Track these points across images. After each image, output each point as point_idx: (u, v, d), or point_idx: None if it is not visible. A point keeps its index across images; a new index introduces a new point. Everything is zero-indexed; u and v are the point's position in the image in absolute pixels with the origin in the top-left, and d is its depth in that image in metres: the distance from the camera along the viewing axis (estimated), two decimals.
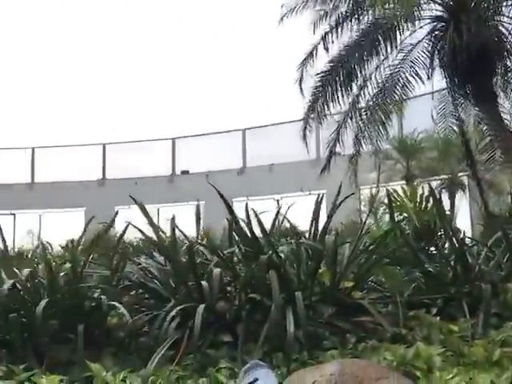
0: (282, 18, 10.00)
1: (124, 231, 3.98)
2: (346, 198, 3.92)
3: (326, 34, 9.65)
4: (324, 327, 3.24)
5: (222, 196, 3.84)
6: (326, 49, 9.59)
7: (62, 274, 3.62)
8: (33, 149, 22.66)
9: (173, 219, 4.20)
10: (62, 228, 18.19)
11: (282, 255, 3.63)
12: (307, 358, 2.92)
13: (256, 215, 3.91)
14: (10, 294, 3.33)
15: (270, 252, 3.46)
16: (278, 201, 16.62)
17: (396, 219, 4.36)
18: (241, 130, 20.78)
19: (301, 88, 9.97)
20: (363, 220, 10.93)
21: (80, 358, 2.97)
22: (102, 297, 3.40)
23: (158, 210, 16.78)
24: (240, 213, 3.98)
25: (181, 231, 4.28)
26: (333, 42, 9.57)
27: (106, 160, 22.60)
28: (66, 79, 28.67)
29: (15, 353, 3.09)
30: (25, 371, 2.89)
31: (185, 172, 21.71)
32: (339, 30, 9.53)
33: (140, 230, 4.20)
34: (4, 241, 3.90)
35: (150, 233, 4.19)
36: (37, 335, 3.12)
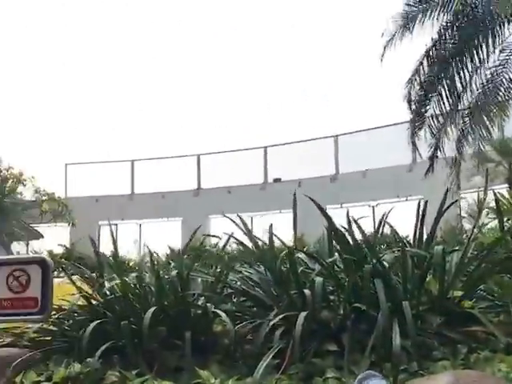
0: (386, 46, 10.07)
1: (227, 240, 4.04)
2: (452, 203, 3.78)
3: (430, 49, 9.66)
4: (433, 337, 3.13)
5: (318, 205, 3.81)
6: (431, 63, 9.57)
7: (168, 282, 3.73)
8: (132, 161, 23.59)
9: (270, 227, 4.21)
10: (161, 237, 18.84)
11: (386, 263, 3.55)
12: (417, 368, 2.83)
13: (356, 222, 3.85)
14: (121, 300, 3.47)
15: (374, 260, 3.40)
16: (373, 207, 16.36)
17: (505, 225, 4.15)
18: (333, 137, 20.65)
19: (409, 106, 10.05)
20: (464, 226, 10.58)
21: (188, 365, 3.05)
22: (208, 304, 3.46)
23: (252, 218, 17.01)
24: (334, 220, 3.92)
25: (279, 239, 4.28)
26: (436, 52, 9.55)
27: (200, 170, 23.13)
28: (159, 93, 29.69)
29: (127, 358, 3.20)
30: (137, 377, 2.99)
31: (277, 180, 21.82)
32: (441, 41, 9.50)
33: (236, 239, 4.24)
34: (116, 249, 4.06)
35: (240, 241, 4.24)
36: (146, 341, 3.21)
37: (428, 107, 9.82)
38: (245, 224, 4.14)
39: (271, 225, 4.24)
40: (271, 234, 4.07)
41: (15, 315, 2.85)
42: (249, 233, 4.11)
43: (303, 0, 26.55)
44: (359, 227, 3.93)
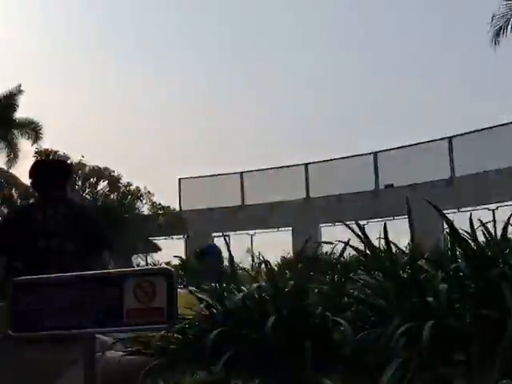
0: None
1: (343, 248, 3.99)
2: None
3: None
4: None
5: (438, 209, 3.67)
6: None
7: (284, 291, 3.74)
8: (241, 173, 24.05)
9: (385, 233, 4.11)
10: (272, 247, 19.02)
11: None
12: None
13: (483, 225, 3.67)
14: (240, 309, 3.52)
15: (501, 265, 3.22)
16: (493, 211, 15.58)
17: None
18: (447, 139, 19.93)
19: None
20: None
21: (309, 375, 3.03)
22: (326, 313, 3.43)
23: (363, 225, 16.72)
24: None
25: (395, 245, 4.17)
26: None
27: (308, 179, 23.14)
28: (263, 104, 30.05)
29: (249, 367, 3.24)
30: None
31: (389, 186, 21.37)
32: None
33: (352, 246, 4.17)
34: (231, 258, 4.14)
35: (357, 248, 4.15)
36: (267, 350, 3.23)
37: None
38: (362, 229, 4.07)
39: (386, 230, 4.13)
40: (388, 241, 3.97)
41: (143, 325, 2.98)
42: (366, 239, 4.03)
43: None
44: (486, 229, 3.74)
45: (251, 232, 22.67)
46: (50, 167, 3.96)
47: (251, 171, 23.56)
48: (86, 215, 3.91)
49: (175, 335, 3.66)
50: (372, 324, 3.64)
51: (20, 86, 23.65)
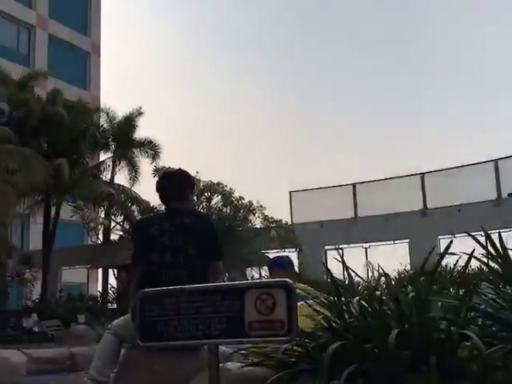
0: None
1: (468, 261, 3.81)
2: None
3: None
4: None
5: None
6: None
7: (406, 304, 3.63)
8: (354, 185, 23.78)
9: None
10: (388, 260, 18.59)
11: None
12: None
13: None
14: (360, 323, 3.46)
15: None
16: None
17: None
18: None
19: None
20: None
21: None
22: (451, 328, 3.29)
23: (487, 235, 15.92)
24: None
25: None
26: None
27: (425, 189, 22.43)
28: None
29: (371, 382, 3.17)
30: None
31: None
32: None
33: (477, 258, 3.98)
34: (348, 271, 4.09)
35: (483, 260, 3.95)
36: (391, 365, 3.15)
37: None
38: (489, 238, 3.86)
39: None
40: None
41: (264, 336, 3.01)
42: (504, 251, 3.82)
43: None
44: None
45: (366, 245, 22.31)
46: (176, 179, 4.09)
47: (364, 182, 23.28)
48: (210, 225, 4.02)
49: (295, 348, 3.66)
50: (501, 340, 3.45)
51: (140, 108, 25.06)
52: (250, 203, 20.67)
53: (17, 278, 21.53)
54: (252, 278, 19.81)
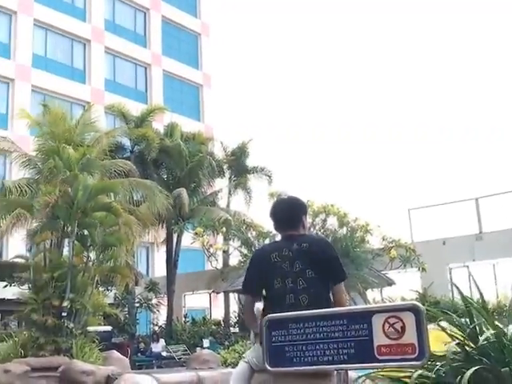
0: None
1: None
2: None
3: None
4: None
5: None
6: None
7: None
8: (476, 199, 22.76)
9: None
10: None
11: None
12: None
13: None
14: (496, 347, 3.28)
15: None
16: None
17: None
18: None
19: None
20: None
21: None
22: None
23: None
24: None
25: None
26: None
27: None
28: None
29: None
30: None
31: None
32: None
33: None
34: (480, 291, 3.90)
35: None
36: None
37: None
38: None
39: None
40: None
41: (394, 361, 2.93)
42: None
43: None
44: None
45: (493, 261, 21.18)
46: (289, 205, 4.12)
47: (488, 196, 22.22)
48: (329, 247, 4.01)
49: (426, 373, 3.53)
50: None
51: (251, 139, 26.07)
52: (367, 223, 20.31)
53: (144, 304, 22.52)
54: (373, 301, 19.38)
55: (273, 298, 3.78)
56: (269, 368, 3.21)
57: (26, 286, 13.09)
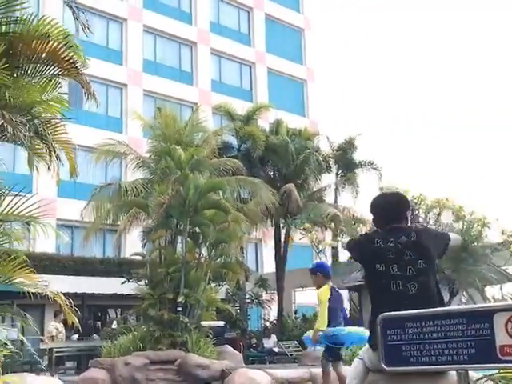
0: None
1: None
2: None
3: None
4: None
5: None
6: None
7: None
8: None
9: None
10: None
11: None
12: None
13: None
14: None
15: None
16: None
17: None
18: None
19: None
20: None
21: None
22: None
23: None
24: None
25: None
26: None
27: None
28: None
29: None
30: None
31: None
32: None
33: None
34: None
35: None
36: None
37: None
38: None
39: None
40: None
41: None
42: None
43: None
44: None
45: None
46: (394, 200, 4.08)
47: None
48: (437, 235, 4.05)
49: None
50: None
51: (359, 133, 25.78)
52: (484, 217, 19.40)
53: (255, 300, 22.85)
54: (493, 298, 18.48)
55: (375, 282, 3.78)
56: (385, 367, 3.13)
57: (142, 282, 13.68)
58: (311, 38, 41.00)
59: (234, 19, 37.45)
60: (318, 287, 8.07)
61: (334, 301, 8.05)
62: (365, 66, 74.10)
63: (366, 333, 7.81)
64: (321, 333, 7.84)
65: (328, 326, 7.84)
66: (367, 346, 3.84)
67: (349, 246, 4.37)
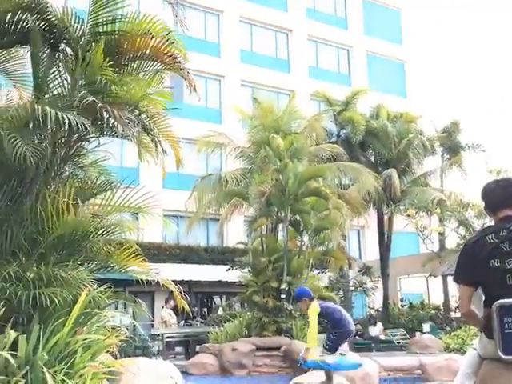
0: None
1: None
2: None
3: None
4: None
5: None
6: None
7: None
8: None
9: None
10: None
11: None
12: None
13: None
14: None
15: None
16: None
17: None
18: None
19: None
20: None
21: None
22: None
23: None
24: None
25: None
26: None
27: None
28: None
29: None
30: None
31: None
32: None
33: None
34: None
35: None
36: None
37: None
38: None
39: None
40: None
41: None
42: None
43: None
44: None
45: None
46: (506, 185, 3.81)
47: None
48: None
49: None
50: None
51: (465, 115, 24.76)
52: None
53: (359, 287, 22.57)
54: None
55: (490, 279, 3.50)
56: (502, 356, 2.98)
57: (245, 270, 13.88)
58: (411, 18, 39.67)
59: (331, 3, 36.93)
60: (306, 310, 8.56)
61: (334, 312, 8.58)
62: (462, 47, 70.80)
63: (359, 361, 8.21)
64: (312, 358, 8.10)
65: (341, 331, 8.36)
66: (481, 335, 3.65)
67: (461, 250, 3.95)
